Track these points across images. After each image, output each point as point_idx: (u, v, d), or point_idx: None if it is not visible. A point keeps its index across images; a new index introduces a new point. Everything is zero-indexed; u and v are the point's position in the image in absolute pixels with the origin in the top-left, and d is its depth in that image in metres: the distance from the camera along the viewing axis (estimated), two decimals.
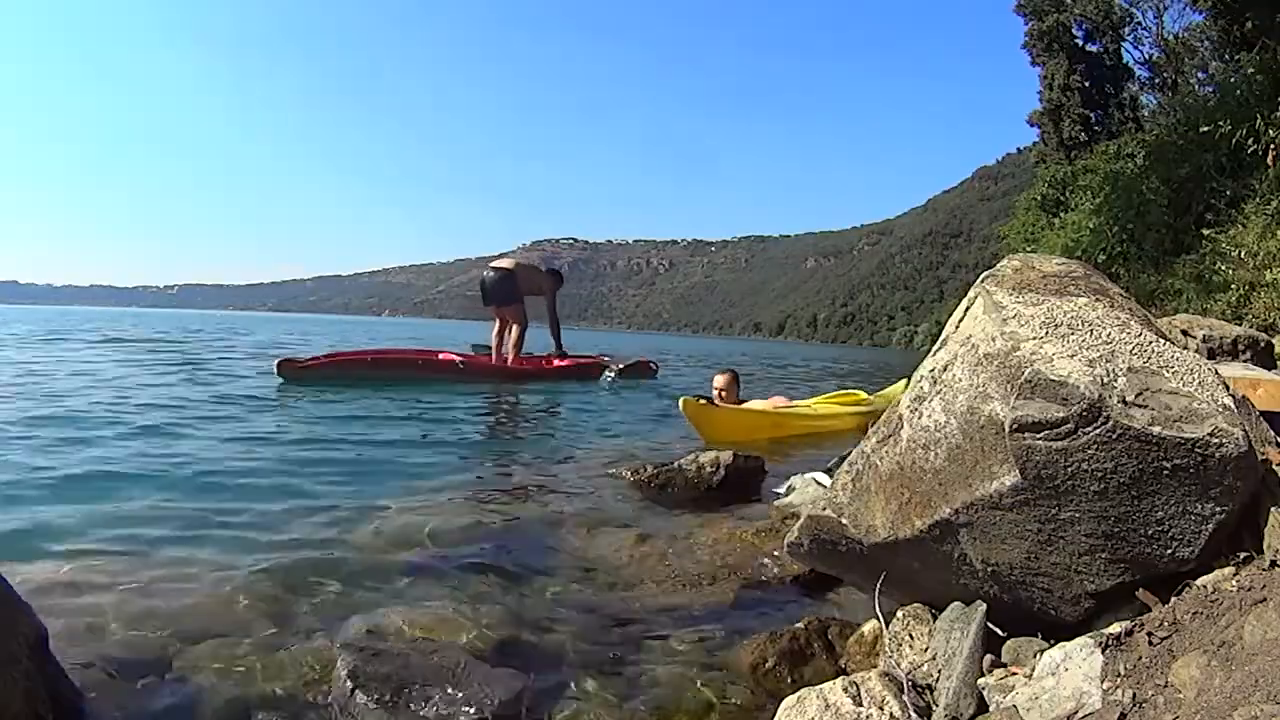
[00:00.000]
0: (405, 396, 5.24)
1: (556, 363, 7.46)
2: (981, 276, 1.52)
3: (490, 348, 7.16)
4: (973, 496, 1.22)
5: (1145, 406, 1.11)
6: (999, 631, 1.26)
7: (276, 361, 5.64)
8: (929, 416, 1.32)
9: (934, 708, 1.15)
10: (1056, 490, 1.15)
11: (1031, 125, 19.65)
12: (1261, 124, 7.22)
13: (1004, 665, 1.18)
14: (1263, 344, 2.90)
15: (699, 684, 1.38)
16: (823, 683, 1.16)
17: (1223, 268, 6.99)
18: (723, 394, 4.74)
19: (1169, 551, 1.14)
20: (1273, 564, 1.08)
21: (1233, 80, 8.91)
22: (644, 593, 1.80)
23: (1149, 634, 1.05)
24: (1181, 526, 1.12)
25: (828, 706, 1.10)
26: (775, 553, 2.01)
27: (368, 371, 6.04)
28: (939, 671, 1.22)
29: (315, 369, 5.73)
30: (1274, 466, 1.24)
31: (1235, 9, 9.87)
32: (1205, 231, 7.52)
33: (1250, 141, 7.30)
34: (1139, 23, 17.51)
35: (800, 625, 1.54)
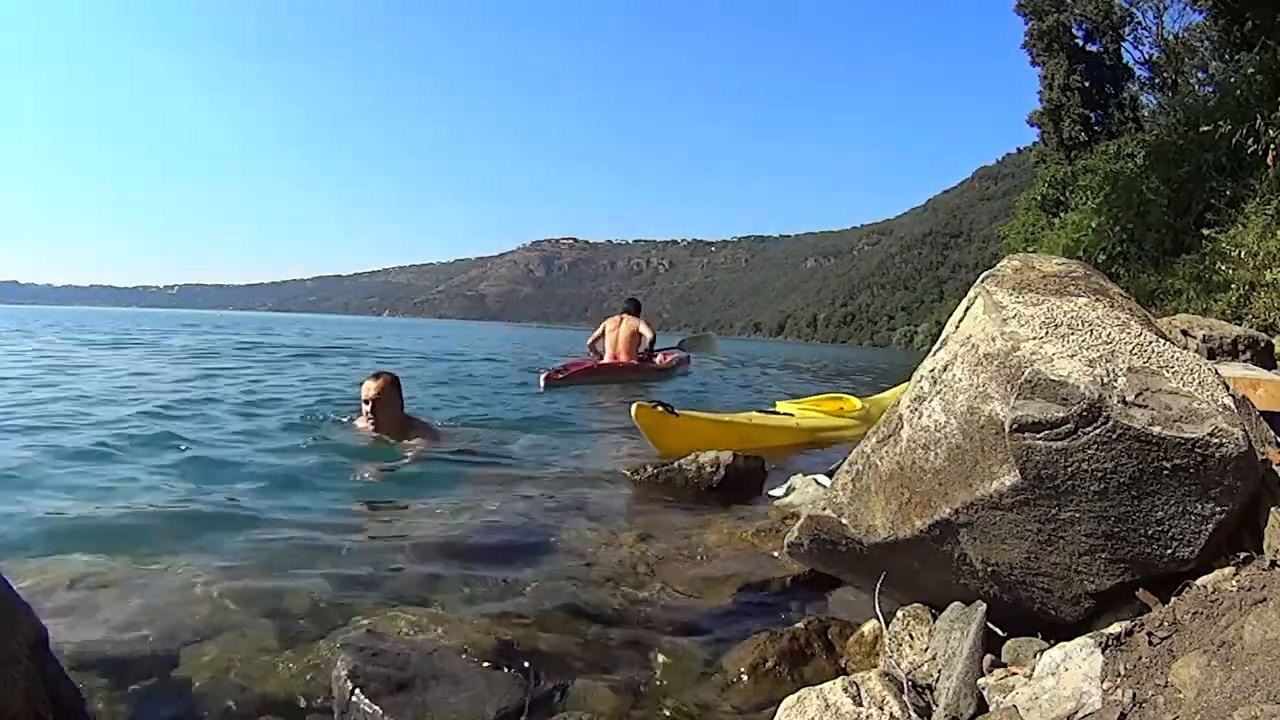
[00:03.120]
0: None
1: (659, 361, 8.66)
2: (981, 276, 1.52)
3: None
4: (973, 496, 1.22)
5: (1145, 406, 1.11)
6: (999, 631, 1.26)
7: (542, 375, 6.58)
8: (929, 416, 1.32)
9: (934, 708, 1.15)
10: (1056, 490, 1.15)
11: (1031, 125, 19.64)
12: (1261, 124, 7.21)
13: (1004, 665, 1.18)
14: (1263, 344, 2.90)
15: (699, 684, 1.38)
16: (823, 683, 1.16)
17: (1223, 268, 6.98)
18: (375, 404, 3.26)
19: (1169, 551, 1.14)
20: (1273, 564, 1.08)
21: (1233, 80, 8.90)
22: (644, 592, 1.80)
23: (1149, 634, 1.05)
24: (1181, 526, 1.12)
25: (828, 706, 1.10)
26: (775, 553, 2.01)
27: (600, 376, 7.15)
28: (939, 671, 1.22)
29: (566, 379, 6.74)
30: (1274, 466, 1.24)
31: (1235, 9, 9.86)
32: (1205, 231, 7.50)
33: (1250, 141, 7.29)
34: (1139, 23, 17.52)
35: (800, 625, 1.53)
